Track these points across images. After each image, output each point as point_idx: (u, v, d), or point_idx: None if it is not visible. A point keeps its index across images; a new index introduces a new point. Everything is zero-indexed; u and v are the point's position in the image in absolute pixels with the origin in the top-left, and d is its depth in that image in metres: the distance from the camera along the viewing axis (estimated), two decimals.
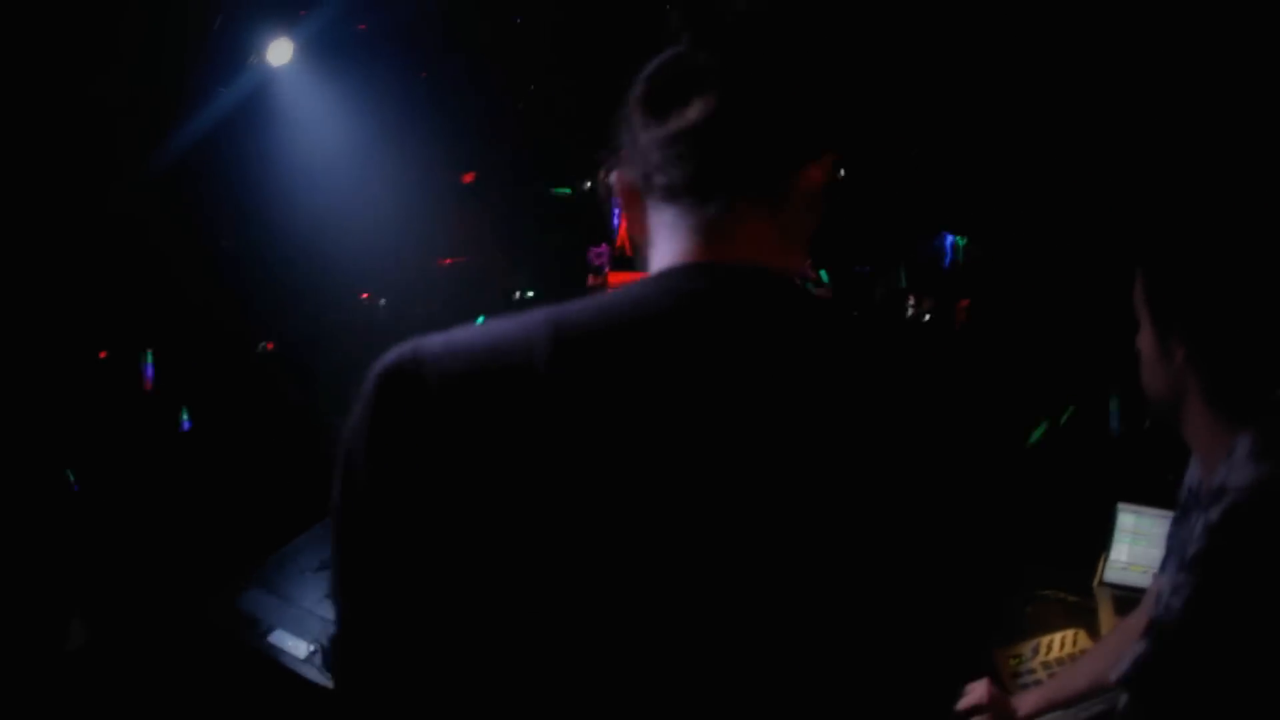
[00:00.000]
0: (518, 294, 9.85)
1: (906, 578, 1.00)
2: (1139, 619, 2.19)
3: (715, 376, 0.94)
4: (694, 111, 1.06)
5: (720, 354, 0.95)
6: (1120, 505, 3.13)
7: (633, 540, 0.91)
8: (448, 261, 9.65)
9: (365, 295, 8.02)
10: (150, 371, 4.36)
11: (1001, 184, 8.75)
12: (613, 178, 1.19)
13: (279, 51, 5.04)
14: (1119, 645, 2.04)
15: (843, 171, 12.50)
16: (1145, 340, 1.92)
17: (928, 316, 13.05)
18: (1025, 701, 2.30)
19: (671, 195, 1.08)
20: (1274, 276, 1.80)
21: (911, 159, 11.24)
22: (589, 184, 11.40)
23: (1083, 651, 2.66)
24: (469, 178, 10.40)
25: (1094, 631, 2.82)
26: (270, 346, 5.03)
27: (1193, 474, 2.07)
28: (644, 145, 1.10)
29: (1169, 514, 2.99)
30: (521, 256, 10.10)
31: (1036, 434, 4.38)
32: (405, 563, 0.93)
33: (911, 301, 13.90)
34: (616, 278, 11.62)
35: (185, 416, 4.45)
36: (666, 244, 1.09)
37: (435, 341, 0.97)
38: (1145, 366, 1.94)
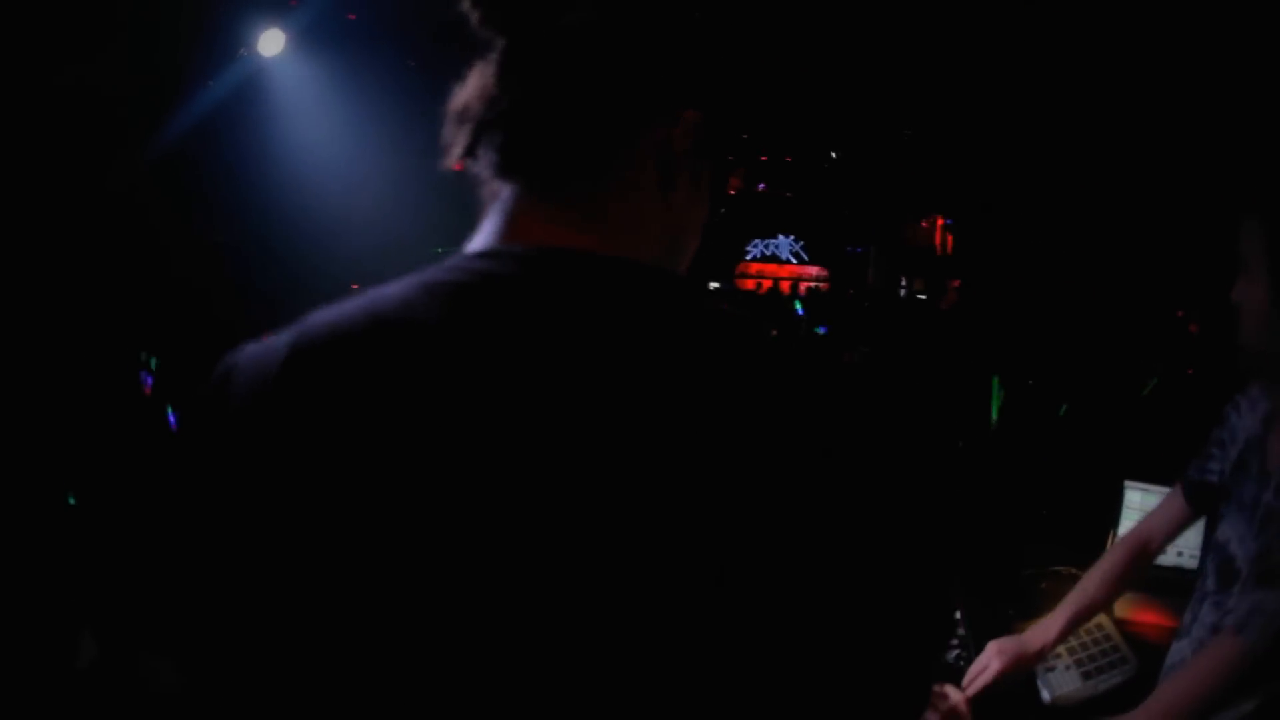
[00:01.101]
0: None
1: (739, 589, 0.82)
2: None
3: (462, 380, 0.85)
4: (468, 90, 0.99)
5: (474, 352, 0.86)
6: (1127, 483, 3.17)
7: (385, 545, 0.83)
8: (440, 250, 9.70)
9: (355, 287, 8.05)
10: (149, 380, 4.37)
11: (995, 168, 8.78)
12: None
13: (270, 42, 5.06)
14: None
15: (834, 154, 12.48)
16: (1254, 292, 1.88)
17: (921, 296, 13.04)
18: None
19: (493, 175, 1.00)
20: None
21: (905, 140, 11.26)
22: None
23: (1097, 626, 2.68)
24: (459, 166, 10.43)
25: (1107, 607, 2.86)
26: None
27: (1247, 425, 2.08)
28: (454, 122, 1.01)
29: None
30: None
31: (995, 410, 4.44)
32: (204, 558, 0.91)
33: (904, 281, 13.89)
34: None
35: (171, 413, 4.47)
36: (483, 224, 1.01)
37: (248, 348, 0.94)
38: (1251, 318, 1.89)
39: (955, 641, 2.56)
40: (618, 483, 0.82)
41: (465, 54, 0.98)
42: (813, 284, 15.64)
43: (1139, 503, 3.16)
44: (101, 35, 4.04)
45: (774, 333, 0.94)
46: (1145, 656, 2.59)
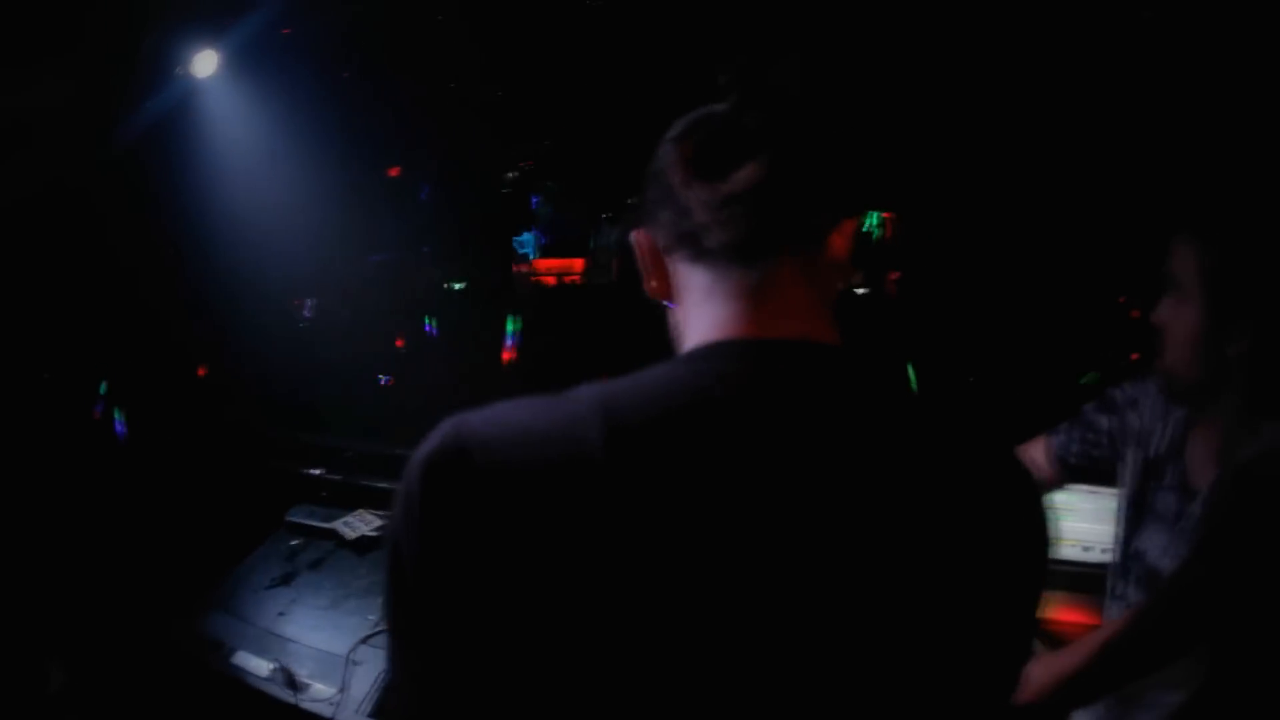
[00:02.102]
0: (445, 285, 9.84)
1: (958, 654, 0.99)
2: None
3: (770, 464, 0.93)
4: (746, 174, 1.05)
5: (774, 439, 0.95)
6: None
7: (695, 633, 0.90)
8: (374, 259, 9.63)
9: (297, 301, 8.01)
10: (100, 407, 4.36)
11: (929, 161, 8.86)
12: (633, 235, 1.20)
13: (204, 63, 5.02)
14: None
15: None
16: (1183, 317, 1.86)
17: (860, 290, 13.13)
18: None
19: (716, 256, 1.08)
20: None
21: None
22: (512, 175, 11.36)
23: None
24: (394, 172, 10.37)
25: None
26: (202, 373, 5.01)
27: (1150, 429, 2.10)
28: (688, 206, 1.09)
29: (1100, 490, 3.10)
30: (448, 249, 10.10)
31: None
32: (459, 656, 0.92)
33: None
34: (543, 264, 11.56)
35: (118, 418, 4.45)
36: (705, 308, 1.09)
37: (478, 424, 0.96)
38: (1177, 344, 1.88)
39: None
40: (877, 564, 0.94)
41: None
42: None
43: (1061, 500, 3.11)
44: (35, 52, 4.00)
45: None
46: None
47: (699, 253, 1.10)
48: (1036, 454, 2.41)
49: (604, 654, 0.89)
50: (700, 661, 0.90)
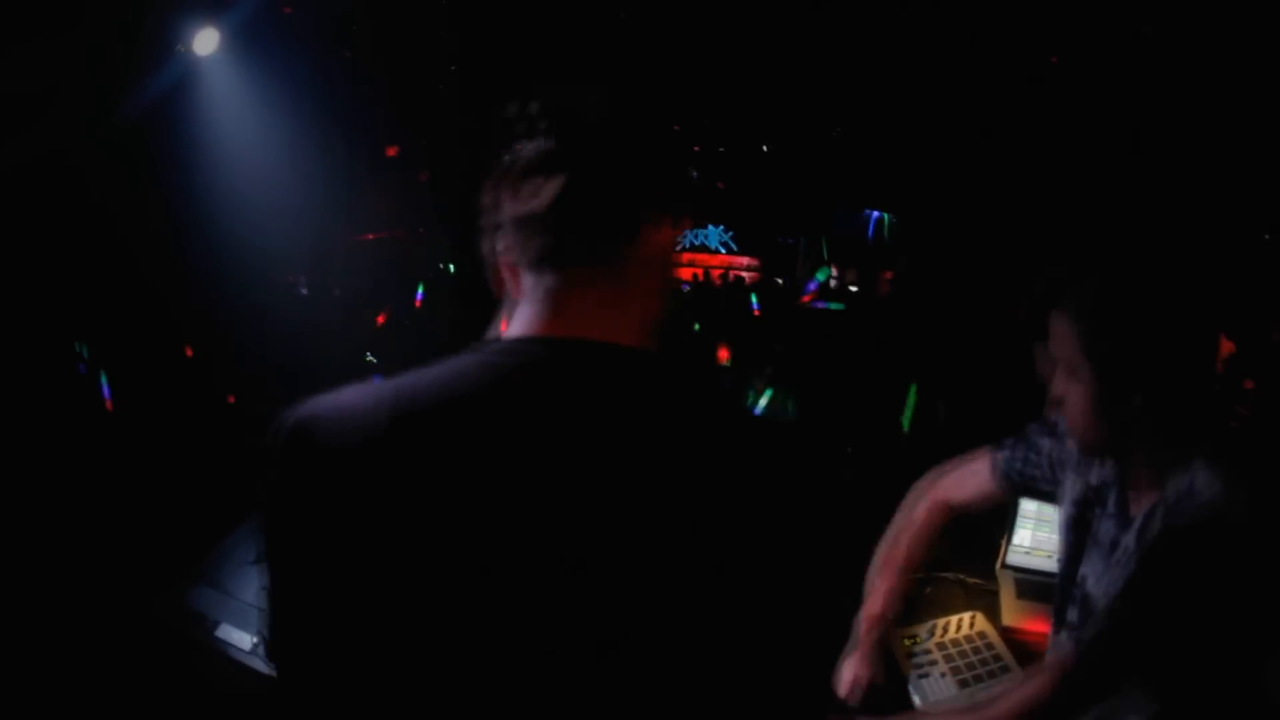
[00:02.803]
0: (440, 265, 9.84)
1: (714, 612, 1.18)
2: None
3: (521, 443, 1.15)
4: (543, 195, 1.24)
5: (527, 423, 1.16)
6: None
7: (454, 578, 1.13)
8: (369, 237, 9.63)
9: (292, 278, 8.01)
10: (83, 368, 4.37)
11: (924, 162, 8.87)
12: (493, 246, 1.37)
13: (205, 41, 5.04)
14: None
15: (766, 147, 12.51)
16: (1076, 391, 1.93)
17: (853, 287, 13.10)
18: None
19: (530, 266, 1.29)
20: (1209, 310, 1.87)
21: (834, 138, 11.32)
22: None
23: (979, 634, 2.75)
24: (392, 151, 10.36)
25: (993, 614, 2.90)
26: (190, 353, 5.03)
27: (1100, 471, 2.14)
28: (508, 222, 1.29)
29: None
30: (443, 228, 10.08)
31: (907, 419, 4.51)
32: (304, 576, 1.18)
33: (834, 272, 13.93)
34: None
35: (107, 390, 4.46)
36: (521, 308, 1.30)
37: (318, 404, 1.20)
38: (1078, 414, 1.94)
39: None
40: (617, 527, 1.14)
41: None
42: (743, 274, 15.72)
43: (1034, 511, 3.22)
44: (41, 30, 4.02)
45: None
46: (1030, 664, 2.59)
47: (520, 261, 1.30)
48: (982, 466, 2.48)
49: (391, 594, 1.12)
50: (459, 601, 1.13)
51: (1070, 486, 2.24)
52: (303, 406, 1.20)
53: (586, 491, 1.14)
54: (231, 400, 4.89)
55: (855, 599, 2.56)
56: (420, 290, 8.79)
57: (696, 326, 8.10)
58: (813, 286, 13.71)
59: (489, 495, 1.13)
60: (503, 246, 1.32)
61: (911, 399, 4.71)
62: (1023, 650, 2.75)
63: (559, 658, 1.14)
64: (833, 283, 14.37)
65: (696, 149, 15.14)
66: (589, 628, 1.14)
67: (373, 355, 7.40)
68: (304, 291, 7.69)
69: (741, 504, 1.20)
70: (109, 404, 4.39)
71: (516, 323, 1.29)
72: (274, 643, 1.23)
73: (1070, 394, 1.95)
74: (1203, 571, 1.77)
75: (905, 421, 4.51)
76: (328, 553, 1.15)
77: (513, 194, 1.28)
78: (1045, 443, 2.34)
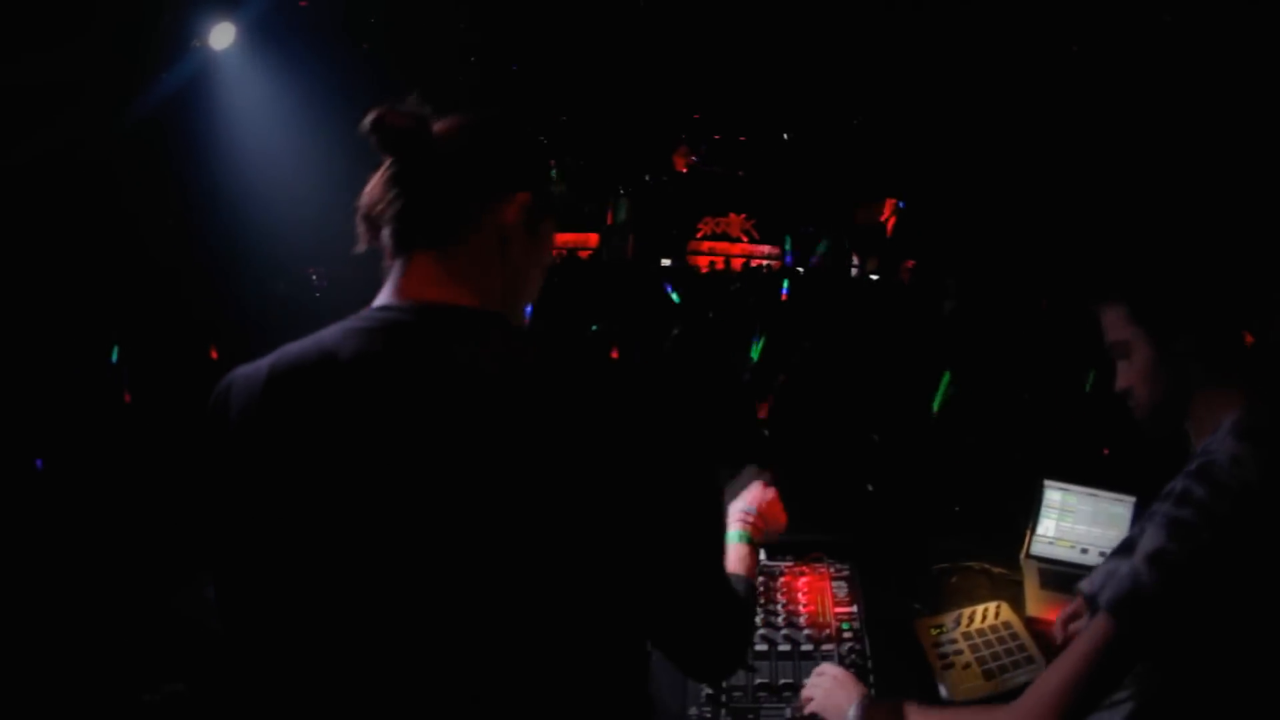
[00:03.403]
0: None
1: (557, 538, 1.31)
2: None
3: (371, 395, 1.33)
4: (364, 198, 1.53)
5: (373, 377, 1.35)
6: (1047, 482, 3.22)
7: (324, 517, 1.31)
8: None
9: (312, 272, 8.03)
10: (113, 374, 4.38)
11: (944, 152, 8.82)
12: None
13: (221, 35, 5.04)
14: None
15: (786, 135, 12.46)
16: (1136, 365, 2.03)
17: (874, 276, 13.03)
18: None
19: (388, 253, 1.54)
20: (1249, 255, 1.99)
21: (854, 127, 11.27)
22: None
23: (1004, 624, 2.73)
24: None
25: (1017, 604, 2.88)
26: (215, 355, 5.03)
27: None
28: (362, 219, 1.56)
29: (1095, 491, 3.14)
30: None
31: (938, 402, 4.49)
32: (221, 525, 1.40)
33: (855, 261, 13.86)
34: (557, 238, 11.60)
35: (114, 354, 4.47)
36: (384, 286, 1.52)
37: (241, 370, 1.41)
38: (1142, 387, 2.04)
39: (850, 634, 2.61)
40: (463, 472, 1.29)
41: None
42: (764, 262, 15.69)
43: (1059, 501, 3.20)
44: (61, 26, 4.03)
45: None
46: (1055, 656, 2.58)
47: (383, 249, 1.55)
48: None
49: (273, 536, 1.33)
50: (333, 539, 1.30)
51: None
52: (228, 375, 1.43)
53: (427, 430, 1.30)
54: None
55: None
56: None
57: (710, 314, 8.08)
58: (814, 261, 13.64)
59: (345, 444, 1.31)
60: (363, 232, 1.56)
61: (945, 384, 4.69)
62: (1047, 640, 2.71)
63: (422, 586, 1.29)
64: (854, 271, 14.33)
65: (716, 137, 15.13)
66: (445, 559, 1.29)
67: None
68: (324, 284, 7.69)
69: (571, 433, 1.32)
70: (129, 397, 4.39)
71: (378, 297, 1.50)
72: (216, 600, 1.44)
73: (1130, 374, 2.05)
74: (1194, 537, 1.77)
75: (936, 404, 4.49)
76: (230, 509, 1.37)
77: (365, 192, 1.54)
78: None
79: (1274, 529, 1.75)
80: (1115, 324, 2.05)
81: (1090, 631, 1.82)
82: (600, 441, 1.34)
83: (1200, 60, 6.45)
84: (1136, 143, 7.50)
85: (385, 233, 1.53)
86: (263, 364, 1.39)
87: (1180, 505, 1.78)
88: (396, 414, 1.32)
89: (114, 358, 4.48)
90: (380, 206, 1.51)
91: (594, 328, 7.42)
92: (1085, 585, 1.88)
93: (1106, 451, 3.87)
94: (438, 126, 1.54)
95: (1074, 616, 2.45)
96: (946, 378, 4.74)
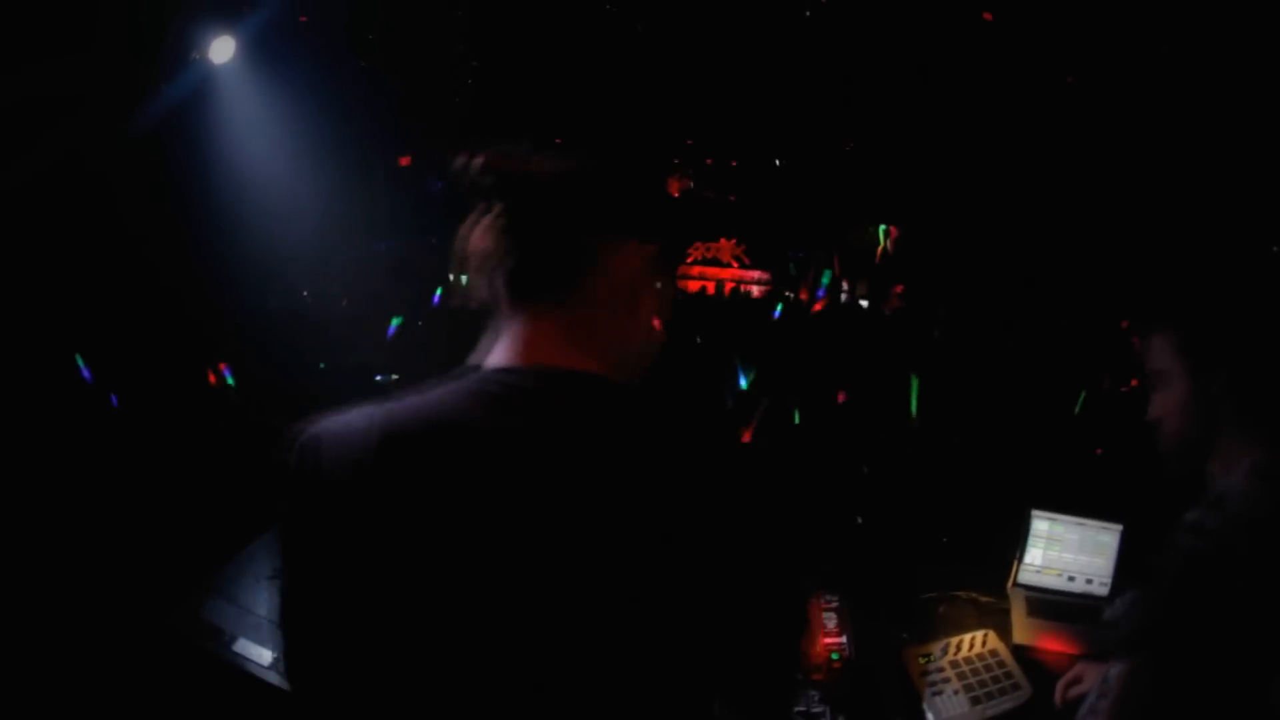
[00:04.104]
0: (451, 277, 9.89)
1: (673, 605, 1.30)
2: None
3: (495, 463, 1.26)
4: (477, 244, 1.43)
5: (497, 444, 1.28)
6: (1034, 511, 3.25)
7: (439, 588, 1.24)
8: (382, 246, 9.66)
9: (305, 293, 8.04)
10: (87, 372, 4.38)
11: (936, 177, 8.88)
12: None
13: (221, 49, 5.07)
14: None
15: (779, 161, 12.50)
16: (1173, 396, 2.05)
17: (863, 302, 13.07)
18: None
19: (502, 303, 1.44)
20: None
21: (845, 153, 11.32)
22: None
23: (991, 652, 2.77)
24: (405, 161, 10.39)
25: (1005, 632, 2.92)
26: (213, 380, 5.04)
27: None
28: (470, 267, 1.46)
29: (1082, 520, 3.18)
30: (456, 239, 10.16)
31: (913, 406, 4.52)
32: (309, 592, 1.32)
33: (845, 286, 13.90)
34: None
35: (118, 390, 4.47)
36: (497, 339, 1.44)
37: (325, 424, 1.33)
38: (1174, 419, 2.06)
39: (839, 663, 2.63)
40: (586, 536, 1.26)
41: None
42: (753, 288, 15.72)
43: (1046, 530, 3.24)
44: (66, 40, 4.06)
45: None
46: (1042, 683, 2.62)
47: (489, 298, 1.45)
48: None
49: (385, 606, 1.25)
50: (446, 610, 1.24)
51: None
52: (311, 426, 1.33)
53: (550, 504, 1.25)
54: (248, 410, 4.90)
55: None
56: (438, 295, 8.81)
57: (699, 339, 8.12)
58: (821, 294, 13.72)
59: (466, 511, 1.25)
60: (473, 284, 1.46)
61: (915, 389, 4.73)
62: (1034, 668, 2.78)
63: (537, 657, 1.25)
64: (843, 296, 14.37)
65: (709, 162, 15.19)
66: (564, 629, 1.26)
67: (384, 364, 7.43)
68: (315, 300, 7.71)
69: (687, 509, 1.31)
70: (121, 412, 4.40)
71: (493, 353, 1.42)
72: (286, 656, 1.38)
73: (1164, 405, 2.06)
74: (1200, 580, 1.81)
75: (913, 408, 4.53)
76: (329, 569, 1.28)
77: (470, 240, 1.45)
78: None
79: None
80: (1161, 352, 2.06)
81: (1123, 671, 1.89)
82: (723, 526, 1.34)
83: (1198, 92, 6.52)
84: (1134, 169, 7.56)
85: (496, 283, 1.42)
86: (365, 422, 1.30)
87: (1195, 536, 1.83)
88: (523, 488, 1.26)
89: (101, 365, 4.48)
90: (492, 256, 1.41)
91: None
92: (1111, 621, 1.95)
93: (1099, 451, 3.92)
94: (551, 168, 1.45)
95: (1075, 681, 2.49)
96: (915, 382, 4.78)
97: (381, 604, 1.26)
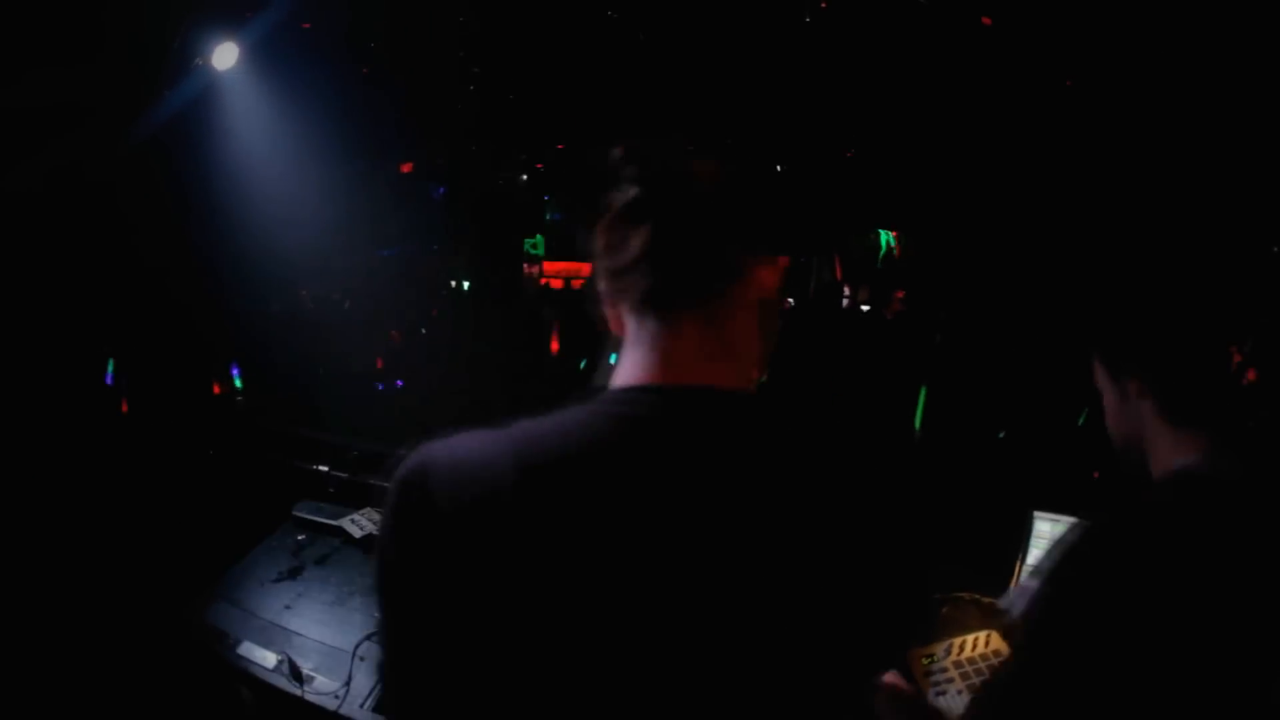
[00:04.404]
0: (453, 283, 9.88)
1: (831, 630, 1.24)
2: None
3: (647, 497, 1.16)
4: (635, 244, 1.29)
5: (651, 476, 1.17)
6: (1036, 513, 3.24)
7: (587, 629, 1.14)
8: (385, 253, 9.68)
9: (304, 292, 8.07)
10: (110, 376, 4.41)
11: (936, 182, 8.88)
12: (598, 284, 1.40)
13: (224, 55, 5.08)
14: None
15: (779, 166, 12.49)
16: (1106, 405, 2.07)
17: (865, 307, 13.07)
18: None
19: (633, 311, 1.32)
20: (1195, 292, 1.97)
21: (847, 159, 11.32)
22: (525, 177, 11.36)
23: (994, 652, 2.77)
24: (407, 168, 10.41)
25: (1007, 633, 2.93)
26: (217, 390, 5.04)
27: None
28: (606, 271, 1.34)
29: (1084, 522, 3.17)
30: (457, 246, 10.13)
31: (919, 418, 4.52)
32: (428, 630, 1.18)
33: (847, 292, 13.88)
34: (553, 266, 11.57)
35: (130, 405, 4.50)
36: (630, 351, 1.32)
37: (437, 453, 1.20)
38: (1111, 427, 2.08)
39: None
40: (753, 575, 1.17)
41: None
42: None
43: (1048, 532, 3.22)
44: (64, 44, 4.07)
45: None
46: None
47: (625, 305, 1.34)
48: None
49: (517, 647, 1.14)
50: (591, 654, 1.14)
51: None
52: (416, 458, 1.21)
53: (710, 540, 1.17)
54: (253, 415, 4.92)
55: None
56: (437, 304, 8.82)
57: None
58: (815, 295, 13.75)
59: (618, 547, 1.15)
60: (603, 289, 1.37)
61: (922, 400, 4.74)
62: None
63: (681, 705, 1.17)
64: (844, 301, 14.36)
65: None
66: (717, 675, 1.17)
67: (387, 370, 7.44)
68: (316, 304, 7.73)
69: (848, 539, 1.25)
70: (127, 417, 4.42)
71: (625, 369, 1.32)
72: (392, 700, 1.25)
73: (1106, 411, 2.07)
74: (1066, 578, 1.75)
75: (917, 421, 4.54)
76: (449, 609, 1.15)
77: (607, 242, 1.33)
78: None
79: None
80: (1095, 365, 2.08)
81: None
82: (884, 554, 1.30)
83: (1189, 91, 6.54)
84: (1121, 178, 7.58)
85: (633, 289, 1.31)
86: (493, 450, 1.19)
87: (1080, 533, 1.86)
88: (685, 523, 1.16)
89: (108, 370, 4.50)
90: (638, 260, 1.29)
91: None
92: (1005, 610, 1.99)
93: (1097, 475, 3.92)
94: (711, 170, 1.35)
95: None
96: (924, 392, 4.79)
97: (509, 648, 1.15)
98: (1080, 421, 5.31)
